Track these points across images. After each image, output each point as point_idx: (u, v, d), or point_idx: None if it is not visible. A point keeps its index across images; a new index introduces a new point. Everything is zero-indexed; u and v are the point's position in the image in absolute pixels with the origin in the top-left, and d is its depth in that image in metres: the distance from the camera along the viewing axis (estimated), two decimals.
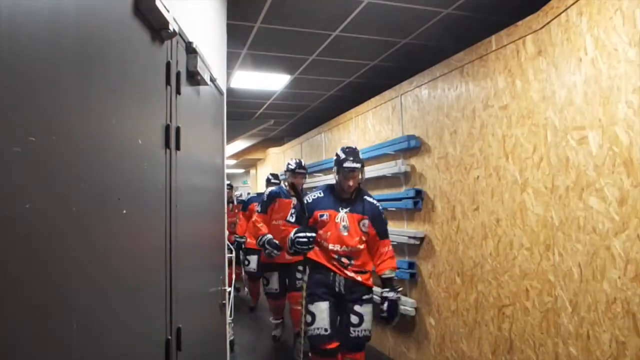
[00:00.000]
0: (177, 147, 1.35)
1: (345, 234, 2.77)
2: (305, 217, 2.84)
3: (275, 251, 3.85)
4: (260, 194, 5.19)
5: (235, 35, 3.30)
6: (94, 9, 0.88)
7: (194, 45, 1.53)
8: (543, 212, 2.29)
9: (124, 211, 0.98)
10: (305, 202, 2.89)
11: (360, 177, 2.82)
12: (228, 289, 2.47)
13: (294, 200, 3.65)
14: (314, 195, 2.93)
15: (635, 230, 1.75)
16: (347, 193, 2.82)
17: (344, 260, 2.77)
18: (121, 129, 0.99)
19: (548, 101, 2.25)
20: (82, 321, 0.79)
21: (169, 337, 1.25)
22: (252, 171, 11.24)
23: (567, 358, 2.13)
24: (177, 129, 1.35)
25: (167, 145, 1.28)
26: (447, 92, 3.14)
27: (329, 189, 2.94)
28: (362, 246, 2.80)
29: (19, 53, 0.63)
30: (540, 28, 2.31)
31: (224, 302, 2.12)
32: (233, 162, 9.83)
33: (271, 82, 4.70)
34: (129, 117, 1.03)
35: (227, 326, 2.51)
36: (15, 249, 0.62)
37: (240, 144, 7.90)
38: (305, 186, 4.49)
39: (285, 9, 2.99)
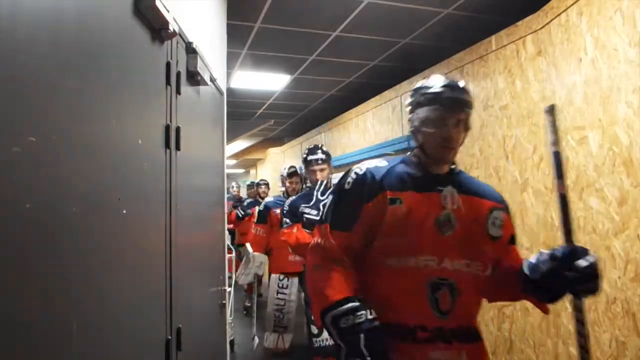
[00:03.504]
0: (177, 147, 1.35)
1: None
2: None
3: None
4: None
5: (235, 35, 3.30)
6: (94, 9, 0.88)
7: (194, 45, 1.53)
8: (543, 212, 2.29)
9: (124, 211, 0.97)
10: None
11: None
12: (228, 289, 2.47)
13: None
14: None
15: (635, 230, 1.75)
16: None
17: None
18: (121, 129, 0.98)
19: (548, 101, 2.25)
20: (82, 321, 0.79)
21: (169, 337, 1.24)
22: (252, 171, 11.23)
23: (567, 358, 2.13)
24: (177, 129, 1.35)
25: (167, 145, 1.28)
26: None
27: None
28: None
29: (19, 53, 0.63)
30: (540, 28, 2.31)
31: (224, 302, 2.12)
32: (233, 162, 9.83)
33: (271, 82, 4.69)
34: (129, 117, 1.03)
35: (227, 326, 2.51)
36: (15, 249, 0.62)
37: (240, 144, 7.90)
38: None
39: (285, 9, 2.99)
